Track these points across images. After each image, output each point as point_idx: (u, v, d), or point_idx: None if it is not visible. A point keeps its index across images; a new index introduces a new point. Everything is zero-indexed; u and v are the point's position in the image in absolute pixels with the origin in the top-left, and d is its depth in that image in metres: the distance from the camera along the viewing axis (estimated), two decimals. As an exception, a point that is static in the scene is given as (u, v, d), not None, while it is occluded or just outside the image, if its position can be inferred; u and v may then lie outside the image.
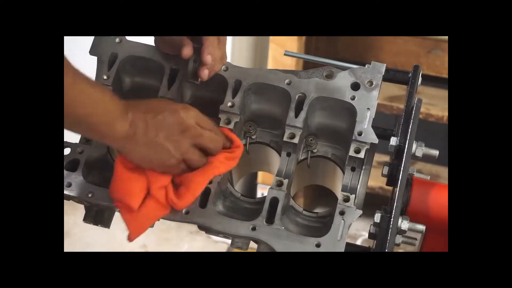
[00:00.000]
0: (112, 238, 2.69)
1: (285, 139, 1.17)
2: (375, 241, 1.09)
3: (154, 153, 1.07)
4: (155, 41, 1.21)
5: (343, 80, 1.18)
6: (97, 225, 1.19)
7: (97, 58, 1.23)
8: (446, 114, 2.47)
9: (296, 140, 1.17)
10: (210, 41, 1.14)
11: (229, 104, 1.19)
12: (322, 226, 1.16)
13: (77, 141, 1.19)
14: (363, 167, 1.17)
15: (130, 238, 1.09)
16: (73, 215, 2.52)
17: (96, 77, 1.23)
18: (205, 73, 1.16)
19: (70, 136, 1.20)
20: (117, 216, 1.21)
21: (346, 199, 1.12)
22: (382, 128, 1.20)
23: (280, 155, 1.21)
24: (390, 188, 1.19)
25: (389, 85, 1.29)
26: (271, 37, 2.34)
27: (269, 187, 1.14)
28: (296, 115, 1.17)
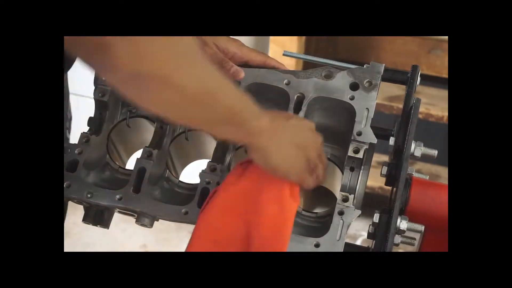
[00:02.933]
0: (112, 238, 2.69)
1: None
2: (374, 241, 1.09)
3: (295, 154, 1.06)
4: None
5: (342, 80, 1.18)
6: (96, 225, 1.19)
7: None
8: (446, 114, 2.47)
9: None
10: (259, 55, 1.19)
11: None
12: (321, 226, 1.17)
13: (76, 142, 1.19)
14: (362, 167, 1.17)
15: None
16: (73, 215, 2.51)
17: (95, 77, 1.23)
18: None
19: (70, 137, 1.21)
20: (116, 216, 1.21)
21: (345, 199, 1.12)
22: (381, 128, 1.20)
23: None
24: (389, 188, 1.19)
25: (388, 85, 1.29)
26: (271, 37, 2.34)
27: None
28: (295, 115, 1.17)
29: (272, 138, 1.03)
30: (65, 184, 1.15)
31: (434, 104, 2.51)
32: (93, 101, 1.23)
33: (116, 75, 0.83)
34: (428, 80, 2.57)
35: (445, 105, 2.50)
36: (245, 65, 1.22)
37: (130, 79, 0.83)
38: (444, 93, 2.59)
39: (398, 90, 2.48)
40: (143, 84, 0.84)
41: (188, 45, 0.89)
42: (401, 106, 2.40)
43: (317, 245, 1.09)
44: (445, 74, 2.68)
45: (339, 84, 1.18)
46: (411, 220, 1.07)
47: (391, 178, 1.13)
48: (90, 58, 0.84)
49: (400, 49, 2.72)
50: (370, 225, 1.10)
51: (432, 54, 2.69)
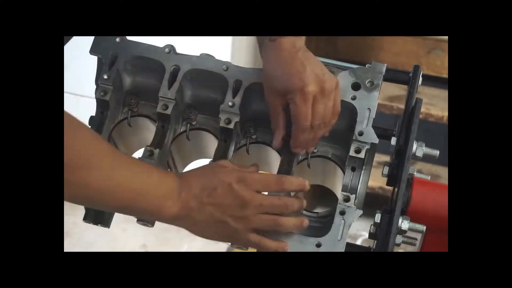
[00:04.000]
0: (112, 238, 2.69)
1: (285, 139, 1.17)
2: (376, 241, 1.09)
3: (215, 230, 1.05)
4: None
5: (343, 80, 1.18)
6: (97, 224, 1.19)
7: (97, 58, 1.23)
8: (446, 114, 2.47)
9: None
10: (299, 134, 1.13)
11: (229, 104, 1.19)
12: (322, 226, 1.16)
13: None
14: (364, 167, 1.17)
15: None
16: (73, 215, 2.51)
17: (96, 77, 1.23)
18: (295, 151, 1.17)
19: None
20: (117, 216, 1.21)
21: (347, 199, 1.12)
22: (383, 128, 1.20)
23: (280, 155, 1.20)
24: (390, 188, 1.18)
25: (389, 85, 1.29)
26: (271, 37, 2.34)
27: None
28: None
29: (183, 221, 1.04)
30: (65, 183, 1.15)
31: (434, 104, 2.52)
32: (92, 101, 1.23)
33: None
34: (428, 80, 2.57)
35: (445, 105, 2.50)
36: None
37: None
38: (444, 93, 2.59)
39: (398, 90, 2.48)
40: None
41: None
42: (401, 106, 2.40)
43: (318, 245, 1.09)
44: (445, 74, 2.68)
45: (341, 84, 1.18)
46: (412, 220, 1.07)
47: (393, 178, 1.13)
48: None
49: (400, 49, 2.72)
50: (371, 225, 1.10)
51: (432, 54, 2.69)
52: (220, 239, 1.08)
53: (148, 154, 1.17)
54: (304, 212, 1.20)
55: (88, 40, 1.22)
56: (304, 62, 1.11)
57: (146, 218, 1.12)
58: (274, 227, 1.06)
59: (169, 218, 1.03)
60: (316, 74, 1.10)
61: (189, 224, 1.05)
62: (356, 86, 1.18)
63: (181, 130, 1.25)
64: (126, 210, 1.02)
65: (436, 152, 1.13)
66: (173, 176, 1.05)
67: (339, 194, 1.14)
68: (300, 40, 1.13)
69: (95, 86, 1.22)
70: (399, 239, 1.07)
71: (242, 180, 1.05)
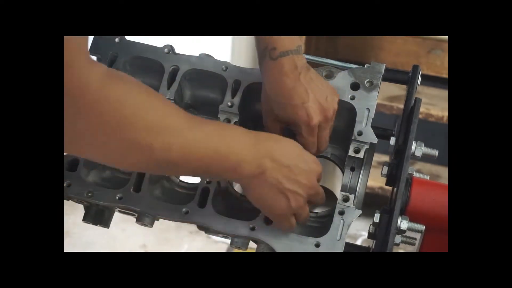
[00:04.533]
0: (112, 238, 2.69)
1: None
2: (375, 241, 1.09)
3: (273, 198, 1.03)
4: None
5: (342, 80, 1.18)
6: (96, 225, 1.19)
7: (97, 58, 1.23)
8: (446, 114, 2.47)
9: None
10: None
11: (229, 104, 1.19)
12: (321, 226, 1.16)
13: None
14: (363, 167, 1.17)
15: None
16: (73, 215, 2.52)
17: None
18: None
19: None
20: (116, 216, 1.21)
21: (346, 199, 1.12)
22: (382, 128, 1.20)
23: None
24: (389, 188, 1.18)
25: (389, 85, 1.29)
26: (271, 37, 2.34)
27: None
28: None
29: (253, 179, 1.01)
30: (65, 183, 1.15)
31: (434, 104, 2.52)
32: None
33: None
34: (428, 80, 2.57)
35: (445, 105, 2.50)
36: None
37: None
38: (444, 93, 2.59)
39: (398, 90, 2.48)
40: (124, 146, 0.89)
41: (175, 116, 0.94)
42: (401, 106, 2.40)
43: (317, 245, 1.09)
44: (445, 74, 2.68)
45: (340, 84, 1.18)
46: (411, 220, 1.07)
47: (392, 178, 1.13)
48: None
49: (400, 49, 2.72)
50: (370, 225, 1.10)
51: (432, 54, 2.69)
52: (267, 209, 1.06)
53: (148, 154, 1.17)
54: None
55: (88, 40, 1.22)
56: (307, 89, 1.09)
57: (223, 178, 1.10)
58: (304, 221, 1.10)
59: (248, 175, 1.00)
60: (319, 103, 1.10)
61: (257, 184, 1.01)
62: (355, 86, 1.18)
63: None
64: (206, 170, 0.98)
65: (435, 152, 1.13)
66: (249, 134, 1.02)
67: (338, 194, 1.14)
68: (301, 59, 1.10)
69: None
70: (398, 239, 1.07)
71: (318, 164, 1.07)
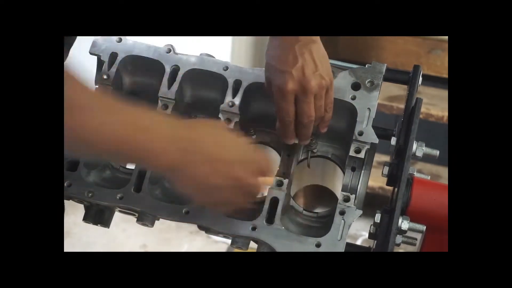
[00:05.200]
0: (112, 238, 2.69)
1: (285, 139, 1.17)
2: (376, 241, 1.09)
3: (199, 192, 1.00)
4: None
5: (343, 80, 1.18)
6: (97, 225, 1.19)
7: (97, 58, 1.23)
8: (446, 114, 2.47)
9: (296, 140, 1.17)
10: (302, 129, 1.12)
11: (229, 104, 1.19)
12: (322, 226, 1.16)
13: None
14: (364, 167, 1.17)
15: None
16: (73, 215, 2.51)
17: (96, 77, 1.23)
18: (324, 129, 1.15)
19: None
20: (117, 216, 1.21)
21: (346, 199, 1.12)
22: (383, 128, 1.20)
23: (280, 155, 1.20)
24: (390, 188, 1.18)
25: (389, 85, 1.29)
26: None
27: (269, 187, 1.14)
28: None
29: (174, 174, 0.97)
30: (66, 183, 1.15)
31: (434, 104, 2.52)
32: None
33: None
34: (428, 80, 2.57)
35: (445, 105, 2.50)
36: None
37: None
38: (444, 93, 2.59)
39: (398, 90, 2.48)
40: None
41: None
42: (401, 106, 2.40)
43: (318, 245, 1.09)
44: (445, 74, 2.68)
45: (341, 83, 1.18)
46: (412, 220, 1.07)
47: (393, 178, 1.13)
48: None
49: (400, 49, 2.72)
50: (371, 225, 1.10)
51: (432, 54, 2.69)
52: (200, 200, 1.03)
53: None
54: (304, 212, 1.20)
55: (88, 40, 1.22)
56: (298, 56, 1.08)
57: (145, 167, 1.05)
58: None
59: (167, 167, 0.95)
60: (304, 71, 1.08)
61: (180, 177, 0.97)
62: (356, 86, 1.18)
63: None
64: (120, 154, 0.94)
65: (436, 152, 1.13)
66: (172, 122, 0.97)
67: (339, 194, 1.14)
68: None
69: (94, 86, 1.22)
70: (399, 239, 1.07)
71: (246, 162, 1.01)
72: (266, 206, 1.12)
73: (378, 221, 1.09)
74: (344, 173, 1.18)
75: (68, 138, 0.89)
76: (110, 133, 0.91)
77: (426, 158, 1.15)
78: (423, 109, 2.45)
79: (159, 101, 1.19)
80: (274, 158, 1.22)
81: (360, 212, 1.11)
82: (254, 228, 1.11)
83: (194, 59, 1.21)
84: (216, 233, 1.15)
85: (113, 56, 1.21)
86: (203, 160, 0.96)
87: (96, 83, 1.22)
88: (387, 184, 1.16)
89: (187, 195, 1.04)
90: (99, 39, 1.22)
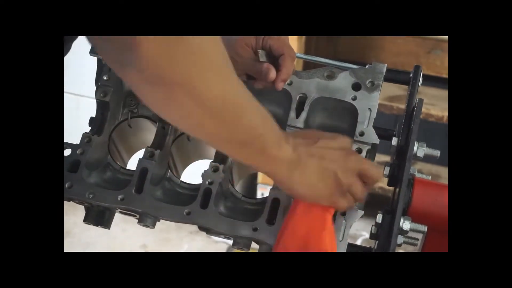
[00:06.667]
0: (112, 238, 2.69)
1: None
2: (377, 242, 1.09)
3: (322, 180, 1.01)
4: None
5: (344, 81, 1.18)
6: (97, 226, 1.19)
7: (97, 59, 1.23)
8: (446, 114, 2.47)
9: None
10: (289, 63, 1.13)
11: None
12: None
13: (78, 142, 1.19)
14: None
15: None
16: (73, 215, 2.52)
17: (96, 78, 1.23)
18: (281, 86, 1.14)
19: (71, 137, 1.21)
20: (117, 217, 1.21)
21: (347, 200, 1.12)
22: (383, 128, 1.20)
23: None
24: (390, 188, 1.18)
25: (389, 85, 1.29)
26: (271, 37, 2.34)
27: (270, 187, 1.14)
28: (297, 116, 1.17)
29: (294, 167, 1.00)
30: (66, 184, 1.15)
31: (434, 104, 2.52)
32: (92, 101, 1.23)
33: (139, 76, 0.79)
34: (428, 80, 2.57)
35: (445, 105, 2.50)
36: None
37: (153, 82, 0.79)
38: (444, 93, 2.59)
39: (398, 90, 2.48)
40: (164, 89, 0.80)
41: (218, 55, 0.85)
42: (401, 106, 2.40)
43: (319, 246, 1.09)
44: (445, 74, 2.68)
45: (341, 84, 1.18)
46: (413, 220, 1.07)
47: (394, 178, 1.13)
48: (116, 56, 0.81)
49: (400, 49, 2.72)
50: (372, 225, 1.10)
51: (432, 54, 2.69)
52: (322, 194, 1.03)
53: (149, 155, 1.17)
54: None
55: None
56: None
57: (258, 162, 1.01)
58: (362, 196, 1.06)
59: (284, 159, 0.97)
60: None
61: (300, 173, 1.00)
62: (356, 87, 1.18)
63: (182, 132, 1.25)
64: (251, 145, 0.94)
65: (437, 152, 1.13)
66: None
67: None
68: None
69: (95, 87, 1.22)
70: (400, 239, 1.07)
71: (345, 137, 1.07)
72: (267, 206, 1.12)
73: (380, 222, 1.09)
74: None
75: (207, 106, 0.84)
76: (246, 110, 0.91)
77: (426, 158, 1.15)
78: (423, 109, 2.45)
79: None
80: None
81: (362, 212, 1.11)
82: (255, 229, 1.11)
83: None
84: (218, 234, 1.14)
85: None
86: (313, 150, 1.01)
87: (96, 84, 1.22)
88: (388, 184, 1.16)
89: (308, 194, 1.04)
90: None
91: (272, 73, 1.12)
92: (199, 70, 0.80)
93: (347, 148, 1.06)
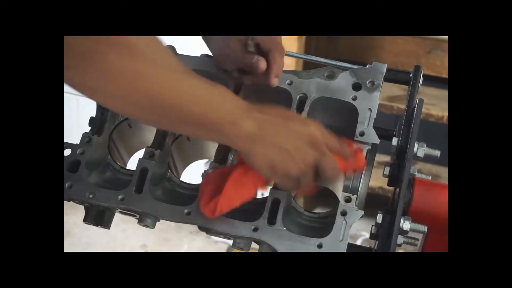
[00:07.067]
0: (112, 238, 2.69)
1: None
2: (377, 242, 1.09)
3: (281, 159, 1.01)
4: (215, 59, 1.19)
5: (344, 81, 1.18)
6: (97, 226, 1.19)
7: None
8: (446, 114, 2.47)
9: None
10: (279, 58, 1.14)
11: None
12: (323, 227, 1.16)
13: (78, 142, 1.19)
14: (365, 167, 1.17)
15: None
16: (73, 215, 2.51)
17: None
18: (275, 81, 1.15)
19: (71, 137, 1.21)
20: (117, 217, 1.21)
21: (348, 200, 1.12)
22: (383, 128, 1.20)
23: None
24: (390, 188, 1.18)
25: (389, 85, 1.29)
26: (271, 37, 2.34)
27: (270, 187, 1.14)
28: (298, 116, 1.17)
29: (254, 141, 1.00)
30: (66, 184, 1.15)
31: (434, 104, 2.52)
32: (92, 101, 1.22)
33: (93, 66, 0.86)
34: (428, 80, 2.57)
35: (445, 105, 2.50)
36: None
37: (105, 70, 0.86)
38: (444, 93, 2.59)
39: (398, 90, 2.48)
40: (117, 78, 0.87)
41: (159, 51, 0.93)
42: (401, 106, 2.40)
43: (320, 246, 1.09)
44: (445, 74, 2.68)
45: (342, 84, 1.18)
46: (414, 220, 1.07)
47: (394, 178, 1.13)
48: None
49: (400, 49, 2.72)
50: (372, 225, 1.10)
51: (432, 54, 2.69)
52: (278, 173, 1.03)
53: (149, 155, 1.17)
54: (305, 212, 1.20)
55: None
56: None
57: (217, 139, 1.06)
58: (307, 189, 1.06)
59: (243, 135, 0.98)
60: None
61: (260, 147, 1.00)
62: (357, 87, 1.18)
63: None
64: (195, 125, 0.97)
65: (437, 152, 1.13)
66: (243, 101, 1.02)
67: (340, 194, 1.13)
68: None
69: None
70: (400, 239, 1.07)
71: (318, 125, 1.05)
72: (267, 206, 1.12)
73: (380, 222, 1.09)
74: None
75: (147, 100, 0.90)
76: (190, 95, 0.94)
77: (426, 158, 1.15)
78: (423, 109, 2.45)
79: None
80: None
81: (362, 212, 1.11)
82: (255, 229, 1.11)
83: (195, 59, 1.21)
84: (218, 234, 1.14)
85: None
86: (280, 129, 1.01)
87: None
88: (388, 184, 1.16)
89: (263, 169, 1.03)
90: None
91: (262, 64, 1.12)
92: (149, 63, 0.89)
93: (314, 136, 1.03)
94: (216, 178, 1.10)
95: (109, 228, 1.21)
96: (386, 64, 1.20)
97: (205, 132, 0.99)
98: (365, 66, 1.20)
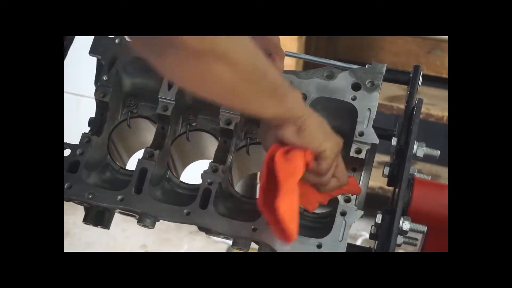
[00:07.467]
0: (112, 238, 2.69)
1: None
2: (377, 242, 1.09)
3: (330, 134, 1.07)
4: None
5: (343, 81, 1.18)
6: (97, 226, 1.19)
7: (97, 59, 1.23)
8: (446, 114, 2.47)
9: None
10: (279, 61, 1.17)
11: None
12: (322, 227, 1.16)
13: (77, 143, 1.19)
14: (364, 167, 1.17)
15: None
16: (73, 215, 2.52)
17: (95, 78, 1.23)
18: None
19: (70, 138, 1.21)
20: (116, 217, 1.21)
21: (347, 200, 1.12)
22: (383, 128, 1.20)
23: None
24: (390, 188, 1.18)
25: (388, 85, 1.29)
26: (271, 37, 2.34)
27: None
28: (297, 116, 1.17)
29: (310, 113, 1.05)
30: (66, 185, 1.15)
31: (434, 104, 2.52)
32: (92, 101, 1.23)
33: (179, 54, 0.92)
34: (428, 80, 2.57)
35: (445, 105, 2.50)
36: None
37: (191, 58, 0.92)
38: (444, 93, 2.59)
39: (398, 90, 2.48)
40: (202, 62, 0.92)
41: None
42: (401, 106, 2.40)
43: (319, 246, 1.09)
44: (445, 74, 2.68)
45: (341, 84, 1.18)
46: (413, 220, 1.07)
47: (393, 178, 1.13)
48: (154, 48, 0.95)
49: (400, 49, 2.72)
50: (372, 225, 1.10)
51: (432, 54, 2.70)
52: (325, 138, 1.07)
53: (149, 155, 1.17)
54: (305, 213, 1.20)
55: (88, 40, 1.22)
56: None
57: (281, 108, 1.06)
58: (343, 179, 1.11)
59: (298, 100, 1.04)
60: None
61: (309, 114, 1.05)
62: (356, 87, 1.18)
63: (181, 132, 1.25)
64: (276, 90, 1.02)
65: (437, 152, 1.13)
66: None
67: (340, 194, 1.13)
68: None
69: (94, 87, 1.22)
70: (400, 239, 1.07)
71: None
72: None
73: (379, 222, 1.09)
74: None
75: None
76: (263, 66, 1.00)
77: (426, 158, 1.15)
78: (423, 109, 2.45)
79: (159, 103, 1.19)
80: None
81: (361, 212, 1.11)
82: (255, 229, 1.11)
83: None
84: (217, 234, 1.14)
85: (113, 57, 1.21)
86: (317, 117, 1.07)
87: (95, 84, 1.22)
88: (388, 184, 1.16)
89: (315, 131, 1.06)
90: (99, 39, 1.22)
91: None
92: (230, 44, 0.95)
93: (339, 147, 1.09)
94: (267, 197, 1.07)
95: (108, 229, 1.21)
96: (386, 64, 1.20)
97: (273, 102, 1.03)
98: (365, 66, 1.20)
